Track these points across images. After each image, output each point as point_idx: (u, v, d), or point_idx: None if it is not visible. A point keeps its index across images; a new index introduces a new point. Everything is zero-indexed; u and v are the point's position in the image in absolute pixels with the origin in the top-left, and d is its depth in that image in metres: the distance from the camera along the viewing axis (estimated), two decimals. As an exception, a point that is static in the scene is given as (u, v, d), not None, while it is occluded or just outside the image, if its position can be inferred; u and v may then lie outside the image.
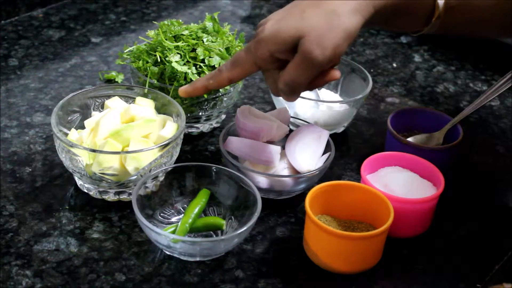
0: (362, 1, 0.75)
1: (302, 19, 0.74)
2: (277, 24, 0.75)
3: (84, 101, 0.89)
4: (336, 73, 0.77)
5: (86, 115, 0.89)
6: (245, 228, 0.75)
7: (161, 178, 0.82)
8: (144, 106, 0.88)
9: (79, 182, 0.85)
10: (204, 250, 0.77)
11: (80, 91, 0.89)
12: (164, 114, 0.89)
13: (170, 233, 0.77)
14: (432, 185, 0.85)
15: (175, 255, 0.78)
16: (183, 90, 0.82)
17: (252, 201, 0.80)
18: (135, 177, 0.81)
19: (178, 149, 0.85)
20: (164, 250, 0.78)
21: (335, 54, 0.74)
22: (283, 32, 0.74)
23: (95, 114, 0.89)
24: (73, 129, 0.86)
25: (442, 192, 0.82)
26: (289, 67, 0.75)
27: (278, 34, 0.75)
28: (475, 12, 0.82)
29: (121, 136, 0.81)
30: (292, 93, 0.77)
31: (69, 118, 0.88)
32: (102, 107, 0.90)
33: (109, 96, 0.90)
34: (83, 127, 0.87)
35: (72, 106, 0.88)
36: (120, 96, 0.90)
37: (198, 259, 0.78)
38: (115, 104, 0.88)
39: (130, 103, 0.89)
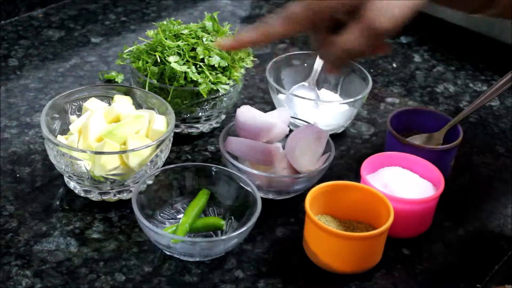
0: None
1: None
2: None
3: (62, 106, 0.88)
4: (389, 49, 0.73)
5: (65, 120, 0.88)
6: (245, 228, 0.75)
7: (158, 172, 0.82)
8: (124, 103, 0.88)
9: (76, 188, 0.84)
10: (203, 250, 0.77)
11: (57, 97, 0.87)
12: (145, 108, 0.89)
13: (170, 233, 0.77)
14: (432, 185, 0.85)
15: (175, 255, 0.78)
16: (223, 44, 0.75)
17: (252, 201, 0.80)
18: (141, 173, 0.81)
19: (171, 142, 0.85)
20: (164, 250, 0.78)
21: (399, 24, 0.67)
22: None
23: (75, 118, 0.87)
24: (59, 136, 0.85)
25: (442, 192, 0.82)
26: (349, 33, 0.69)
27: None
28: None
29: (115, 135, 0.81)
30: (346, 60, 0.72)
31: (51, 127, 0.86)
32: (78, 110, 0.89)
33: (84, 99, 0.89)
34: (63, 133, 0.86)
35: (53, 112, 0.86)
36: (96, 96, 0.89)
37: (198, 259, 0.78)
38: (94, 105, 0.87)
39: (106, 102, 0.89)
